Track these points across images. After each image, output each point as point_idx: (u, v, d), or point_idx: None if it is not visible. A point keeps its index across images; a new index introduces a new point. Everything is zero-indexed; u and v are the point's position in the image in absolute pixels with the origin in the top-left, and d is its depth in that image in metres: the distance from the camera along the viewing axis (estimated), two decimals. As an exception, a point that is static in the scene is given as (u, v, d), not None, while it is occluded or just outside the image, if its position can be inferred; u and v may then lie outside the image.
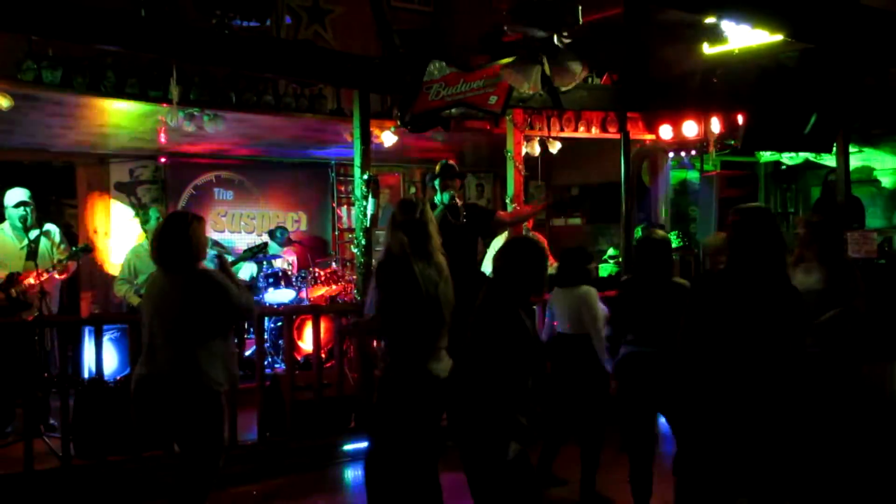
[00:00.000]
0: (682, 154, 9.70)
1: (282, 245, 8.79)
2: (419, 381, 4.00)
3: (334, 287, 8.18)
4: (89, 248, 6.69)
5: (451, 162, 6.76)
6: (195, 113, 6.94)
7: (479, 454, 3.46)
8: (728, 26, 7.08)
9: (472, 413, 3.48)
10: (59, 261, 6.37)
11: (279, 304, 7.78)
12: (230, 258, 6.67)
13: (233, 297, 4.10)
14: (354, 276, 7.29)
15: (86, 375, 6.24)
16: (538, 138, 8.12)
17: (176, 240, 4.05)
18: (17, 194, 6.45)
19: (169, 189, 8.92)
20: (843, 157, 7.49)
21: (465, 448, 3.52)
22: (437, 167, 6.74)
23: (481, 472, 3.49)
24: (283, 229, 8.89)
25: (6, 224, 6.53)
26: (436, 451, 4.18)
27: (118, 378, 6.29)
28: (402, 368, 4.04)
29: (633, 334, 4.71)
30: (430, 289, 4.00)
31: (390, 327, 4.07)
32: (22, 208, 6.38)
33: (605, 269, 8.95)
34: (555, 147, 8.33)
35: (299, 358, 7.46)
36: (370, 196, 6.53)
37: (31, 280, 6.15)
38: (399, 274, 3.99)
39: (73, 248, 6.60)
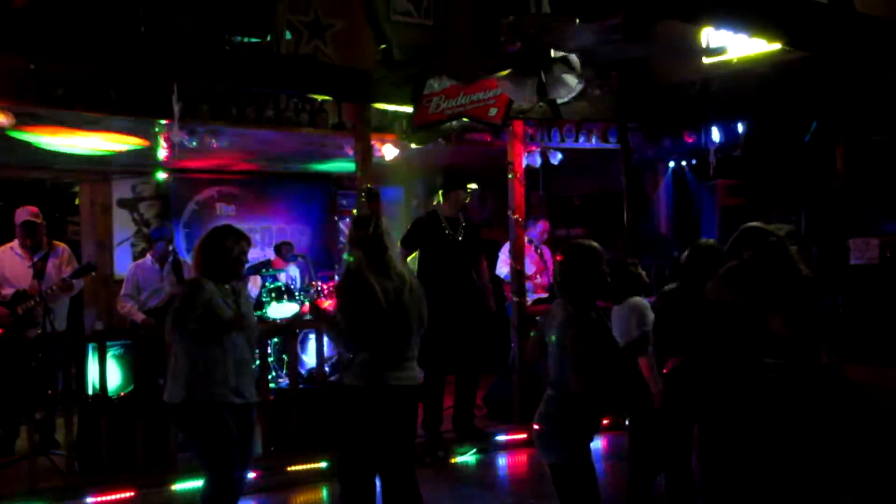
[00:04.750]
0: (683, 163, 9.72)
1: (289, 261, 8.79)
2: (378, 392, 4.05)
3: (338, 300, 8.17)
4: (92, 268, 6.69)
5: (458, 170, 6.78)
6: (197, 128, 6.97)
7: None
8: (726, 35, 7.10)
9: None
10: (63, 279, 6.39)
11: (282, 319, 7.78)
12: None
13: None
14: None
15: (90, 392, 6.24)
16: (539, 149, 8.14)
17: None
18: (24, 213, 6.48)
19: (171, 205, 8.94)
20: (844, 163, 7.50)
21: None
22: (442, 175, 6.80)
23: None
24: (289, 245, 8.89)
25: (15, 242, 6.55)
26: (409, 459, 4.24)
27: (122, 394, 6.30)
28: (362, 379, 4.08)
29: (682, 346, 4.67)
30: (392, 299, 4.04)
31: (352, 340, 4.11)
32: (28, 227, 6.41)
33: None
34: (556, 158, 8.35)
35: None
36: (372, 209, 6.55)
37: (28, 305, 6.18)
38: (356, 288, 4.04)
39: (77, 268, 6.61)
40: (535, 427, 3.94)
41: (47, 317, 6.17)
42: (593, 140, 7.98)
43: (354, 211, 6.81)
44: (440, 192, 6.88)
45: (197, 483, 5.34)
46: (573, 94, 5.22)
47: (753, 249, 3.97)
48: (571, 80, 5.04)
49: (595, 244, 3.96)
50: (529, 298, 8.09)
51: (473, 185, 6.87)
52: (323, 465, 6.04)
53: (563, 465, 3.85)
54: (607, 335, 3.92)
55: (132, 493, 5.46)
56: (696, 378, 4.57)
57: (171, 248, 7.30)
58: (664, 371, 4.79)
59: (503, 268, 7.97)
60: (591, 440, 3.89)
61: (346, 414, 4.12)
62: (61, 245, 6.76)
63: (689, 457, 4.80)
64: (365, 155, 6.58)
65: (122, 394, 6.31)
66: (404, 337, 4.14)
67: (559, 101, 5.29)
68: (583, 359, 3.72)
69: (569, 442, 3.81)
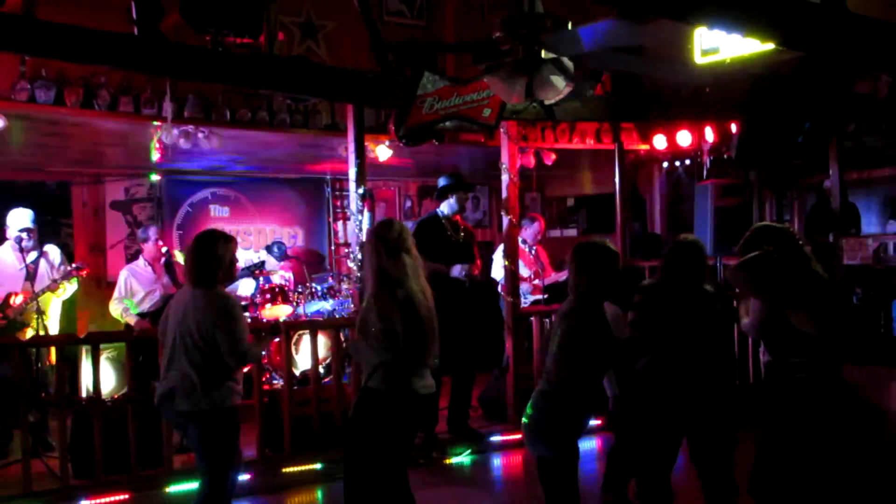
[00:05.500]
0: (677, 163, 9.74)
1: (279, 260, 8.80)
2: (406, 400, 4.04)
3: (331, 301, 8.19)
4: (80, 269, 6.65)
5: (456, 172, 6.79)
6: (190, 130, 6.96)
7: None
8: (719, 35, 7.11)
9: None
10: (54, 281, 6.37)
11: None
12: None
13: None
14: (352, 291, 7.29)
15: (83, 394, 6.22)
16: (533, 150, 8.13)
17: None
18: (20, 219, 6.44)
19: (165, 206, 8.93)
20: (837, 163, 7.53)
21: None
22: (443, 178, 6.82)
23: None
24: (281, 244, 8.90)
25: (7, 245, 6.52)
26: (406, 463, 4.25)
27: (115, 396, 6.28)
28: (392, 387, 4.03)
29: (659, 342, 4.66)
30: (424, 311, 4.02)
31: (390, 350, 4.01)
32: (20, 230, 6.38)
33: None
34: (550, 158, 8.36)
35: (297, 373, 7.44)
36: (366, 210, 6.54)
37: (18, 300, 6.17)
38: (401, 295, 3.98)
39: (69, 270, 6.58)
40: (525, 420, 3.98)
41: (40, 319, 6.15)
42: (587, 140, 7.98)
43: (351, 209, 6.77)
44: (438, 194, 6.90)
45: (191, 485, 5.35)
46: (560, 97, 5.22)
47: (775, 245, 3.95)
48: (559, 82, 5.02)
49: (609, 244, 3.97)
50: (526, 300, 8.10)
51: (471, 188, 6.88)
52: (317, 466, 6.04)
53: (549, 457, 3.90)
54: (606, 331, 3.90)
55: (126, 496, 5.45)
56: (677, 376, 4.51)
57: (164, 249, 7.29)
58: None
59: (499, 270, 7.96)
60: (580, 436, 3.92)
61: (369, 419, 4.08)
62: (53, 248, 6.73)
63: (668, 462, 4.76)
64: (358, 156, 6.56)
65: (116, 396, 6.29)
66: (431, 342, 4.10)
67: (546, 102, 5.28)
68: (571, 349, 3.76)
69: (556, 435, 3.84)
